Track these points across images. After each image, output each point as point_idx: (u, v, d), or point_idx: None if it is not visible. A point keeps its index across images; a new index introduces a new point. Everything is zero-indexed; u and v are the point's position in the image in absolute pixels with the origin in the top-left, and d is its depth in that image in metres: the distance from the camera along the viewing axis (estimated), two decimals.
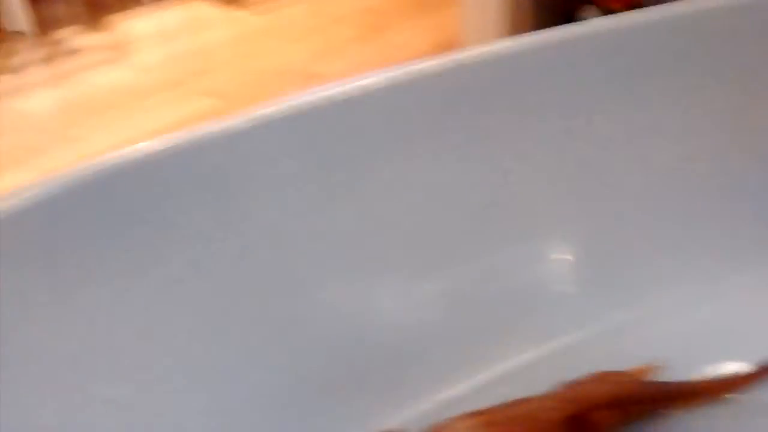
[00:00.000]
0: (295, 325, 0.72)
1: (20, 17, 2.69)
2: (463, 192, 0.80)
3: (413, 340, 0.77)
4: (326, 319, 0.74)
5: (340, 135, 0.76)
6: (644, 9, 0.85)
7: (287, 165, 0.74)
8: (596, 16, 1.71)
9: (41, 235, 0.63)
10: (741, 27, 0.85)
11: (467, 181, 0.80)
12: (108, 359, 0.63)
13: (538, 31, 0.83)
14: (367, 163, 0.77)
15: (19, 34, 2.72)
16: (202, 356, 0.68)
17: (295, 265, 0.74)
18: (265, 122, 0.73)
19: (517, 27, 1.76)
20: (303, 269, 0.74)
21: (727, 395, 0.68)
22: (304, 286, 0.74)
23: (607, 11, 1.68)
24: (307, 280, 0.74)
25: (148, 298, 0.67)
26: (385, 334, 0.76)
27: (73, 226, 0.64)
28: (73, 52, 2.58)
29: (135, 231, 0.67)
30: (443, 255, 0.80)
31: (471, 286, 0.80)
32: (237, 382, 0.69)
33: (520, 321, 0.80)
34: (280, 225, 0.73)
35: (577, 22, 0.87)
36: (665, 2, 0.84)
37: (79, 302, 0.63)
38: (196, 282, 0.69)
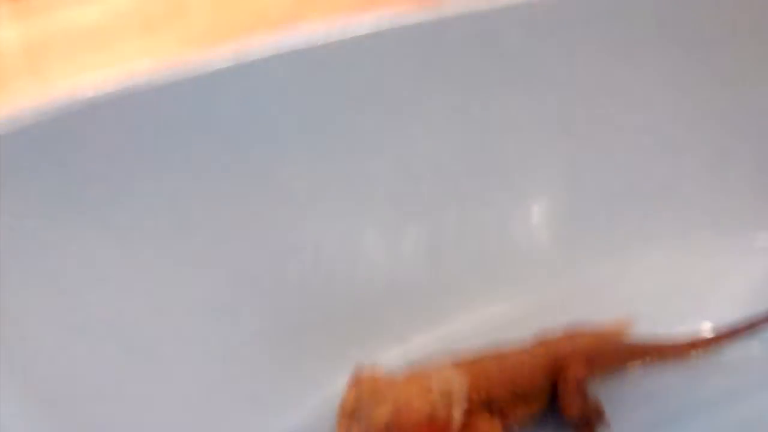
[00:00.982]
0: (278, 265, 0.72)
1: None
2: (446, 144, 0.80)
3: (394, 286, 0.77)
4: (309, 261, 0.74)
5: (323, 81, 0.75)
6: None
7: (270, 107, 0.73)
8: None
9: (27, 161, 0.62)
10: None
11: (449, 134, 0.80)
12: (94, 286, 0.63)
13: None
14: (349, 110, 0.76)
15: None
16: (182, 293, 0.68)
17: (277, 206, 0.73)
18: (250, 64, 0.72)
19: None
20: (285, 211, 0.74)
21: (693, 355, 0.70)
22: (287, 228, 0.74)
23: None
24: (289, 222, 0.74)
25: (129, 231, 0.66)
26: (368, 278, 0.77)
27: (55, 157, 0.63)
28: None
29: (117, 167, 0.66)
30: (425, 205, 0.80)
31: (451, 237, 0.81)
32: (219, 320, 0.69)
33: (498, 272, 0.81)
34: (263, 166, 0.73)
35: None
36: None
37: (67, 232, 0.62)
38: (179, 219, 0.68)
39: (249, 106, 0.72)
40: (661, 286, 0.80)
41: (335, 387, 0.66)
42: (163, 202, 0.67)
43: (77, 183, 0.64)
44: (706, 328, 0.72)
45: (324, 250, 0.75)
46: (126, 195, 0.66)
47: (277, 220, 0.73)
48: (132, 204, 0.66)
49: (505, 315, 0.79)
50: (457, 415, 0.55)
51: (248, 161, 0.72)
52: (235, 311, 0.70)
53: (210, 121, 0.70)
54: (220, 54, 0.71)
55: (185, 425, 0.64)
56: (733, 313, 0.71)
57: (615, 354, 0.68)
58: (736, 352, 0.71)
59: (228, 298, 0.70)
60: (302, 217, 0.74)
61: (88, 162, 0.64)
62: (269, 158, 0.73)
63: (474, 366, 0.60)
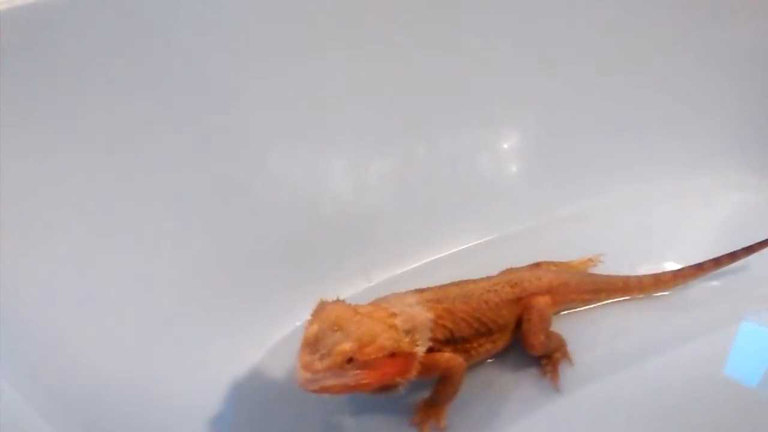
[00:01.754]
0: (238, 193, 0.70)
1: None
2: (417, 75, 0.77)
3: (360, 220, 0.76)
4: (271, 189, 0.72)
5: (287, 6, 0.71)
6: None
7: (232, 34, 0.69)
8: None
9: None
10: None
11: (421, 64, 0.77)
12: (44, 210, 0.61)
13: None
14: (316, 38, 0.73)
15: None
16: (135, 218, 0.66)
17: (239, 129, 0.70)
18: None
19: None
20: (247, 135, 0.71)
21: (657, 291, 0.71)
22: (248, 153, 0.71)
23: None
24: (251, 147, 0.71)
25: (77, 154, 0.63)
26: (333, 210, 0.75)
27: None
28: None
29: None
30: (394, 137, 0.78)
31: (420, 171, 0.79)
32: (180, 253, 0.67)
33: (467, 207, 0.80)
34: (223, 86, 0.69)
35: None
36: None
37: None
38: (138, 144, 0.65)
39: (207, 26, 0.68)
40: (627, 225, 0.80)
41: (299, 322, 0.66)
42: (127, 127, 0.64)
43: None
44: (670, 266, 0.72)
45: (286, 183, 0.73)
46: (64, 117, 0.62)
47: (236, 149, 0.70)
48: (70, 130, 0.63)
49: (472, 251, 0.78)
50: (420, 351, 0.54)
51: (208, 85, 0.68)
52: (194, 245, 0.68)
53: (170, 39, 0.66)
54: None
55: (147, 359, 0.63)
56: (697, 252, 0.71)
57: (580, 290, 0.68)
58: (699, 289, 0.71)
59: (187, 231, 0.68)
60: (263, 148, 0.72)
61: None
62: (229, 83, 0.69)
63: (439, 302, 0.59)
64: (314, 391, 0.51)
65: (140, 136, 0.66)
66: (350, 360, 0.50)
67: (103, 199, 0.64)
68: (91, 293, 0.62)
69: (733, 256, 0.70)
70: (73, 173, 0.63)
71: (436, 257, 0.77)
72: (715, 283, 0.72)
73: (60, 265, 0.61)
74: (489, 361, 0.64)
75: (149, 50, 0.65)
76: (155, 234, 0.67)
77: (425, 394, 0.60)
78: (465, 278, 0.64)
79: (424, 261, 0.77)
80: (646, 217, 0.81)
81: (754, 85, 0.85)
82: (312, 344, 0.51)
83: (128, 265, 0.64)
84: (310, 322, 0.53)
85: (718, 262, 0.70)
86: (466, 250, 0.78)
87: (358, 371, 0.51)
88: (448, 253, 0.78)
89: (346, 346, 0.50)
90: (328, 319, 0.53)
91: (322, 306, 0.55)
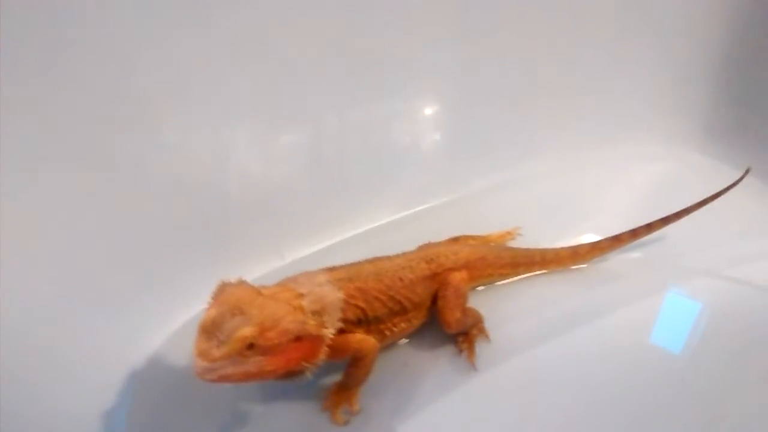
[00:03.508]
0: (135, 167, 0.64)
1: None
2: (328, 40, 0.73)
3: (270, 193, 0.71)
4: (170, 162, 0.66)
5: None
6: None
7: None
8: None
9: None
10: None
11: (332, 29, 0.72)
12: None
13: None
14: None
15: None
16: (22, 194, 0.60)
17: (133, 97, 0.64)
18: None
19: None
20: (144, 103, 0.65)
21: (575, 264, 0.70)
22: (145, 123, 0.65)
23: None
24: (147, 116, 0.65)
25: None
26: (239, 184, 0.70)
27: None
28: None
29: None
30: (306, 106, 0.73)
31: (332, 143, 0.75)
32: (69, 225, 0.61)
33: (383, 181, 0.77)
34: (116, 49, 0.62)
35: None
36: None
37: None
38: (23, 112, 0.59)
39: None
40: (545, 198, 0.79)
41: (205, 304, 0.61)
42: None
43: None
44: (588, 239, 0.71)
45: (187, 156, 0.67)
46: None
47: (132, 118, 0.64)
48: None
49: (389, 226, 0.75)
50: (329, 334, 0.51)
51: (99, 47, 0.61)
52: (87, 223, 0.62)
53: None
54: None
55: (40, 343, 0.58)
56: (615, 224, 0.71)
57: (497, 265, 0.66)
58: (617, 261, 0.71)
59: (80, 208, 0.62)
60: (160, 117, 0.65)
61: None
62: (123, 45, 0.62)
63: (351, 281, 0.56)
64: (213, 380, 0.47)
65: (26, 106, 0.59)
66: (251, 346, 0.47)
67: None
68: None
69: (649, 227, 0.70)
70: None
71: (352, 234, 0.74)
72: (633, 254, 0.72)
73: None
74: (404, 341, 0.62)
75: (34, 10, 0.58)
76: (44, 212, 0.61)
77: (337, 377, 0.57)
78: (381, 253, 0.61)
79: (339, 238, 0.73)
80: (565, 188, 0.80)
81: (673, 55, 0.84)
82: (209, 330, 0.47)
83: (13, 245, 0.59)
84: (209, 306, 0.49)
85: (635, 234, 0.70)
86: (383, 226, 0.75)
87: (260, 357, 0.47)
88: (364, 229, 0.75)
89: (246, 331, 0.46)
90: (228, 302, 0.49)
91: (223, 288, 0.51)
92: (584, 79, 0.83)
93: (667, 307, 0.66)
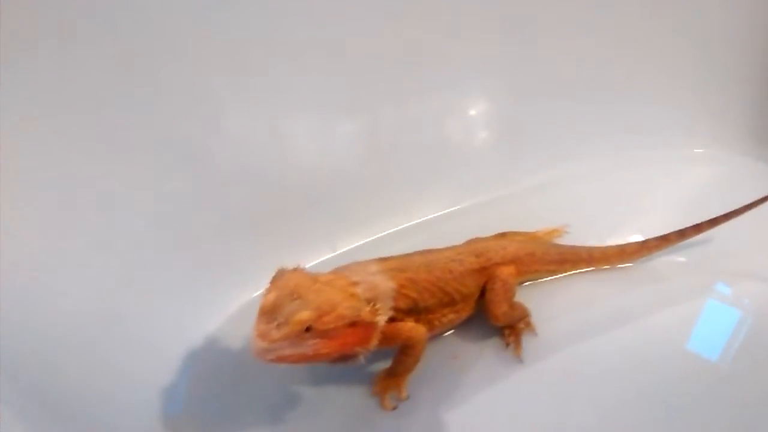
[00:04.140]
0: (197, 156, 0.68)
1: None
2: (386, 38, 0.75)
3: (325, 183, 0.74)
4: (232, 153, 0.69)
5: None
6: None
7: None
8: None
9: None
10: None
11: (390, 27, 0.75)
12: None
13: None
14: None
15: None
16: (102, 180, 0.63)
17: (196, 90, 0.67)
18: None
19: None
20: (206, 95, 0.68)
21: (621, 263, 0.71)
22: (207, 115, 0.68)
23: None
24: (210, 108, 0.68)
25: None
26: (297, 173, 0.73)
27: None
28: None
29: None
30: (361, 101, 0.75)
31: (387, 136, 0.77)
32: (133, 211, 0.64)
33: (434, 175, 0.79)
34: (179, 44, 0.66)
35: None
36: None
37: None
38: (91, 107, 0.62)
39: None
40: (593, 196, 0.79)
41: (260, 290, 0.64)
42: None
43: None
44: (635, 238, 0.71)
45: (247, 147, 0.70)
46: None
47: (195, 110, 0.67)
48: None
49: (438, 220, 0.77)
50: (382, 321, 0.53)
51: (161, 43, 0.65)
52: (151, 210, 0.65)
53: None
54: None
55: (101, 326, 0.61)
56: (662, 224, 0.71)
57: (545, 261, 0.68)
58: (663, 261, 0.71)
59: (144, 195, 0.65)
60: (222, 110, 0.69)
61: None
62: (186, 41, 0.66)
63: (402, 271, 0.58)
64: (270, 360, 0.49)
65: (93, 102, 0.63)
66: (308, 329, 0.49)
67: (58, 161, 0.61)
68: (48, 257, 0.59)
69: (697, 228, 0.70)
70: (30, 138, 0.60)
71: (403, 226, 0.76)
72: (679, 255, 0.72)
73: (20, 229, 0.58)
74: (451, 332, 0.64)
75: (92, 7, 0.62)
76: (120, 197, 0.64)
77: (386, 364, 0.59)
78: (430, 245, 0.63)
79: (389, 230, 0.75)
80: (613, 188, 0.81)
81: (726, 59, 0.84)
82: (269, 313, 0.50)
83: (83, 229, 0.62)
84: (268, 290, 0.51)
85: (682, 234, 0.70)
86: (432, 219, 0.77)
87: (317, 340, 0.50)
88: (415, 222, 0.77)
89: (304, 315, 0.49)
90: (287, 288, 0.51)
91: (281, 274, 0.53)
92: (633, 81, 0.83)
93: (709, 311, 0.66)
